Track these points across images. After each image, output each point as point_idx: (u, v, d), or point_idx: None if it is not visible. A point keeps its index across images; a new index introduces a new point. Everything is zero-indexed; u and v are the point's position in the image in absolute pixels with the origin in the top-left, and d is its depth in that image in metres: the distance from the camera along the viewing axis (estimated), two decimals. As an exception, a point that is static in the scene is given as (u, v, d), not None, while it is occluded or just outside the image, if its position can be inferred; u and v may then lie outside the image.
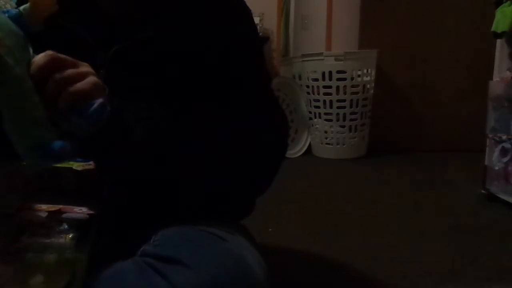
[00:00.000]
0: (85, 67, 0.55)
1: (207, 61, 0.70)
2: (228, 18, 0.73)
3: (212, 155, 0.67)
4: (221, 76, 0.71)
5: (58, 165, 0.59)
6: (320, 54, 2.77)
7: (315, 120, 2.89)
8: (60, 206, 0.57)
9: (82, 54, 0.66)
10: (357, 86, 2.76)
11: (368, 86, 2.82)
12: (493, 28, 1.77)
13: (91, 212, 0.57)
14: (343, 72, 2.72)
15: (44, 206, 0.57)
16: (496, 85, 1.82)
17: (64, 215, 0.56)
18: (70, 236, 0.54)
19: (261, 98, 0.75)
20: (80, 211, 0.57)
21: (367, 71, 2.80)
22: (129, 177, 0.64)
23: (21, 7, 0.53)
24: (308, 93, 2.88)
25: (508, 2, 1.71)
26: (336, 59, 2.73)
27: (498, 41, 1.83)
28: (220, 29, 0.72)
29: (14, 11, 0.52)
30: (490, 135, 1.83)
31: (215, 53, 0.71)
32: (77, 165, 0.62)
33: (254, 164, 0.71)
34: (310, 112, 2.92)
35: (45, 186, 0.60)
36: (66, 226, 0.55)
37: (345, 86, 2.74)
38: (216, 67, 0.71)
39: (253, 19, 0.80)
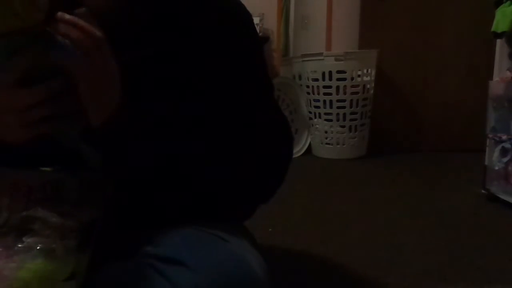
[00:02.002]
0: None
1: (207, 71, 0.69)
2: (229, 28, 0.72)
3: (215, 160, 0.67)
4: (222, 84, 0.70)
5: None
6: (320, 54, 2.77)
7: (315, 120, 2.89)
8: (63, 210, 0.57)
9: None
10: (357, 86, 2.76)
11: (368, 86, 2.82)
12: (493, 28, 1.77)
13: (93, 217, 0.58)
14: (343, 72, 2.72)
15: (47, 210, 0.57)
16: (496, 85, 1.82)
17: (66, 218, 0.57)
18: (72, 238, 0.55)
19: (264, 105, 0.75)
20: (81, 215, 0.57)
21: (367, 71, 2.80)
22: (133, 176, 0.64)
23: None
24: (308, 93, 2.88)
25: (508, 2, 1.71)
26: (336, 59, 2.73)
27: (498, 41, 1.83)
28: (220, 39, 0.71)
29: None
30: (490, 135, 1.83)
31: (216, 64, 0.70)
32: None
33: (256, 170, 0.71)
34: (310, 112, 2.93)
35: (47, 195, 0.61)
36: (68, 229, 0.55)
37: (345, 86, 2.74)
38: (217, 76, 0.70)
39: (253, 24, 0.79)
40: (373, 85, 2.85)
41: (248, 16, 0.77)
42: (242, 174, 0.70)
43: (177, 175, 0.65)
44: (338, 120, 2.80)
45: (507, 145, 1.73)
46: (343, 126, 2.80)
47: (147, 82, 0.67)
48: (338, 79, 2.74)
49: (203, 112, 0.68)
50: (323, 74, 2.75)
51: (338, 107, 2.78)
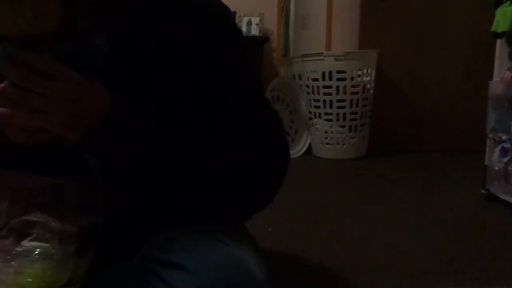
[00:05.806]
0: None
1: (188, 83, 0.69)
2: (207, 34, 0.70)
3: (208, 168, 0.67)
4: (207, 91, 0.69)
5: None
6: (320, 54, 2.77)
7: (315, 120, 2.89)
8: (63, 215, 0.57)
9: None
10: (357, 86, 2.76)
11: (368, 86, 2.82)
12: (493, 28, 1.77)
13: (93, 222, 0.58)
14: (343, 72, 2.72)
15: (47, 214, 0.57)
16: (496, 85, 1.82)
17: (66, 223, 0.57)
18: (71, 243, 0.55)
19: (253, 108, 0.74)
20: (81, 220, 0.58)
21: (367, 71, 2.80)
22: (130, 177, 0.64)
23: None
24: (308, 93, 2.88)
25: (508, 2, 1.71)
26: (336, 59, 2.73)
27: (498, 41, 1.83)
28: (199, 45, 0.70)
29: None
30: (490, 135, 1.83)
31: (197, 75, 0.69)
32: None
33: (252, 180, 0.71)
34: (310, 112, 2.93)
35: (48, 200, 0.61)
36: (68, 234, 0.55)
37: (345, 86, 2.75)
38: (200, 86, 0.69)
39: (233, 25, 0.77)
40: (373, 85, 2.85)
41: (226, 18, 0.76)
42: (237, 182, 0.70)
43: (174, 176, 0.65)
44: (338, 120, 2.80)
45: (507, 145, 1.73)
46: (343, 126, 2.80)
47: (134, 89, 0.66)
48: (338, 79, 2.74)
49: (194, 117, 0.67)
50: (323, 74, 2.75)
51: (338, 107, 2.78)
